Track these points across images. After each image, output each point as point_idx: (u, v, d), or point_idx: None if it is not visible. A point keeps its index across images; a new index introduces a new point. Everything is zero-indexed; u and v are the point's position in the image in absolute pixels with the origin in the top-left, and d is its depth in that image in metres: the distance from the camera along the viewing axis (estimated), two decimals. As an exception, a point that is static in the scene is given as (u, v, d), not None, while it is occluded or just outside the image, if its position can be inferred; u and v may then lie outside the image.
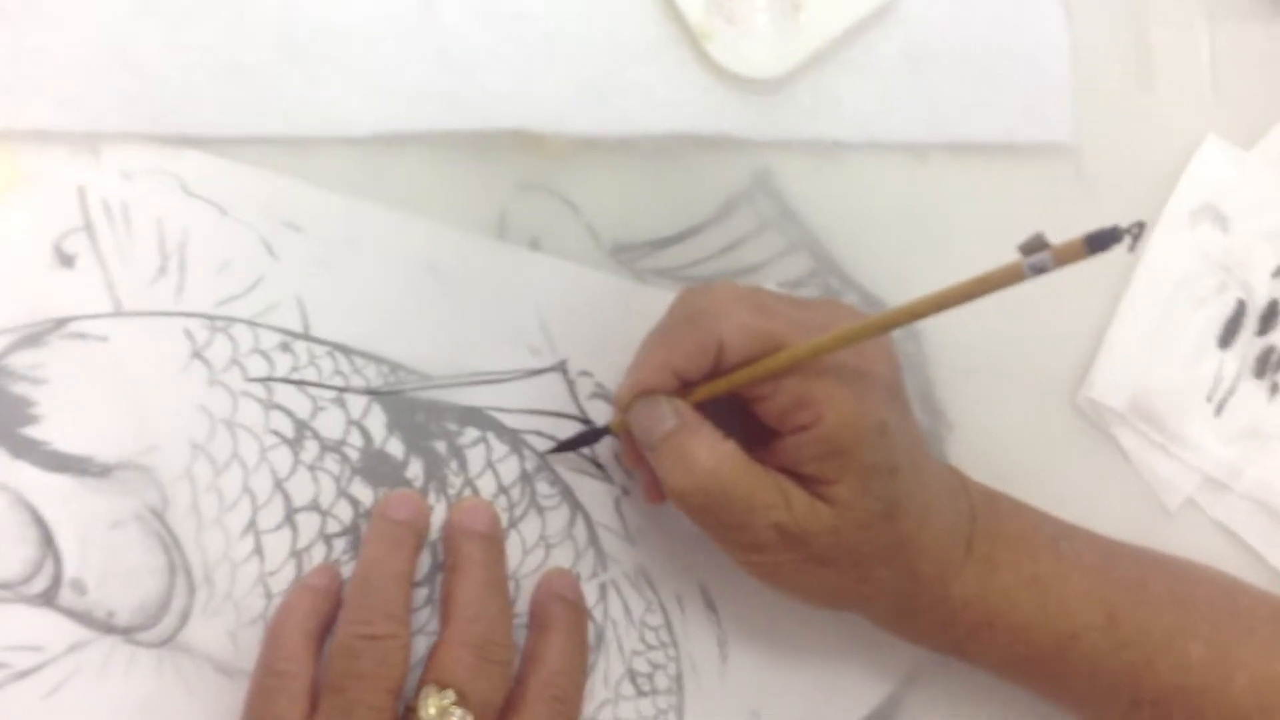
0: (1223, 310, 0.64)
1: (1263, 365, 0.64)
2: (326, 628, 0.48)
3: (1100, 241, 0.38)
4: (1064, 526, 0.54)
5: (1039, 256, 0.39)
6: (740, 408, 0.49)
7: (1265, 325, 0.64)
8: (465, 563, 0.50)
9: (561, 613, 0.51)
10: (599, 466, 0.54)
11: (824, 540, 0.47)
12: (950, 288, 0.42)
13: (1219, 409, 0.63)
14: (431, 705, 0.46)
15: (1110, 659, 0.51)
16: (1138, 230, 0.37)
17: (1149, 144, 0.63)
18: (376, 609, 0.47)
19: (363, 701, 0.45)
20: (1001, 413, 0.60)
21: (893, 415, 0.48)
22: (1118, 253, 0.61)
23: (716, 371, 0.48)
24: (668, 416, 0.48)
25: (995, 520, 0.52)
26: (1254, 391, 0.64)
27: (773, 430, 0.48)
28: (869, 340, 0.47)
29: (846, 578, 0.49)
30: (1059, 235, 0.39)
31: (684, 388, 0.49)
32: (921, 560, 0.49)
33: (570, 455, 0.54)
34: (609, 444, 0.54)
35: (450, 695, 0.46)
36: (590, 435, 0.53)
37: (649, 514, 0.54)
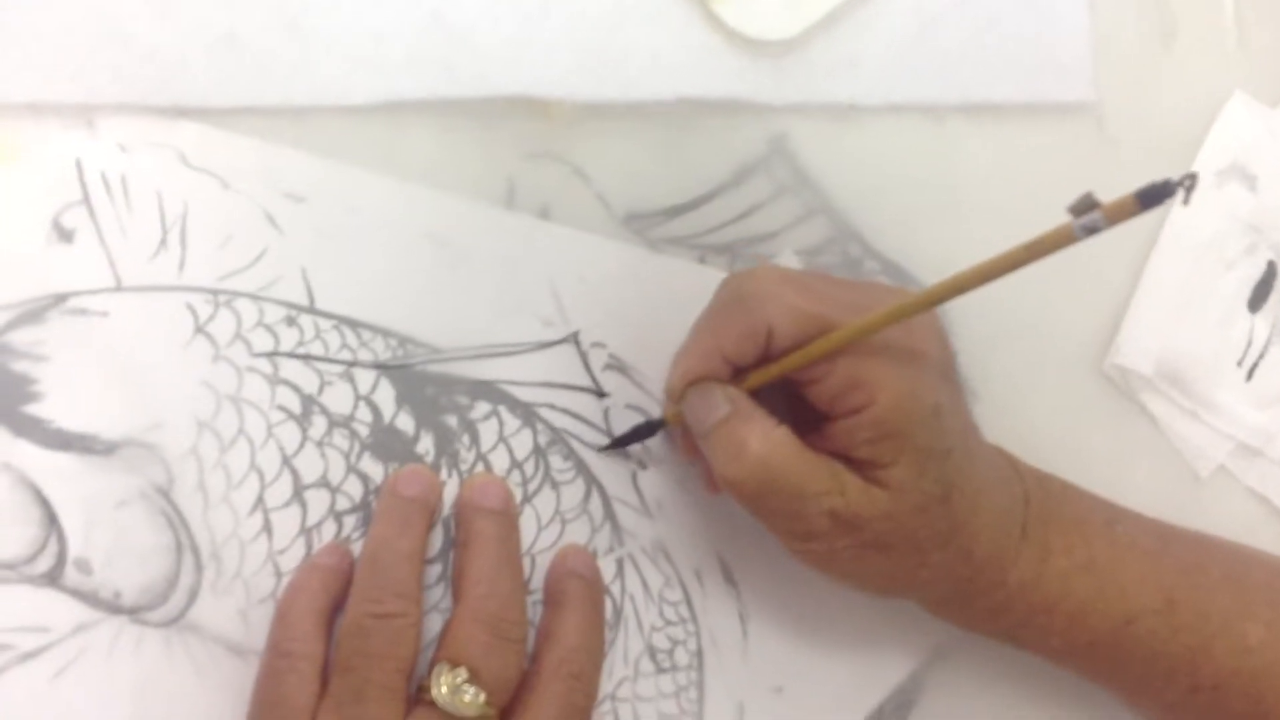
0: (1252, 272, 0.62)
1: (1295, 329, 0.62)
2: (337, 607, 0.47)
3: (1153, 196, 0.36)
4: (1117, 510, 0.53)
5: (1090, 217, 0.38)
6: (791, 393, 0.48)
7: (1297, 287, 0.62)
8: (478, 539, 0.49)
9: (578, 589, 0.50)
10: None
11: (879, 526, 0.46)
12: (998, 256, 0.41)
13: (1250, 374, 0.62)
14: (444, 684, 0.45)
15: (1168, 643, 0.50)
16: (1190, 182, 0.36)
17: (1173, 102, 0.62)
18: (387, 587, 0.46)
19: (373, 681, 0.45)
20: (1027, 381, 0.59)
21: (946, 396, 0.47)
22: (1144, 215, 0.61)
23: (766, 357, 0.47)
24: (721, 404, 0.47)
25: (1048, 504, 0.51)
26: (1286, 356, 0.62)
27: (825, 415, 0.47)
28: (919, 321, 0.46)
29: (903, 563, 0.48)
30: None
31: (735, 375, 0.48)
32: (977, 544, 0.48)
33: (583, 428, 0.53)
34: (621, 417, 0.53)
35: (463, 673, 0.45)
36: (645, 429, 0.52)
37: (666, 488, 0.53)
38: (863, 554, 0.47)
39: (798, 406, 0.48)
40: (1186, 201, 0.37)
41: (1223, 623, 0.51)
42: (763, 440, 0.46)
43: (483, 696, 0.45)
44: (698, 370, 0.48)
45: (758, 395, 0.48)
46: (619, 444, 0.53)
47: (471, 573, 0.48)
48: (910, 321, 0.46)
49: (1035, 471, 0.52)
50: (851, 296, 0.47)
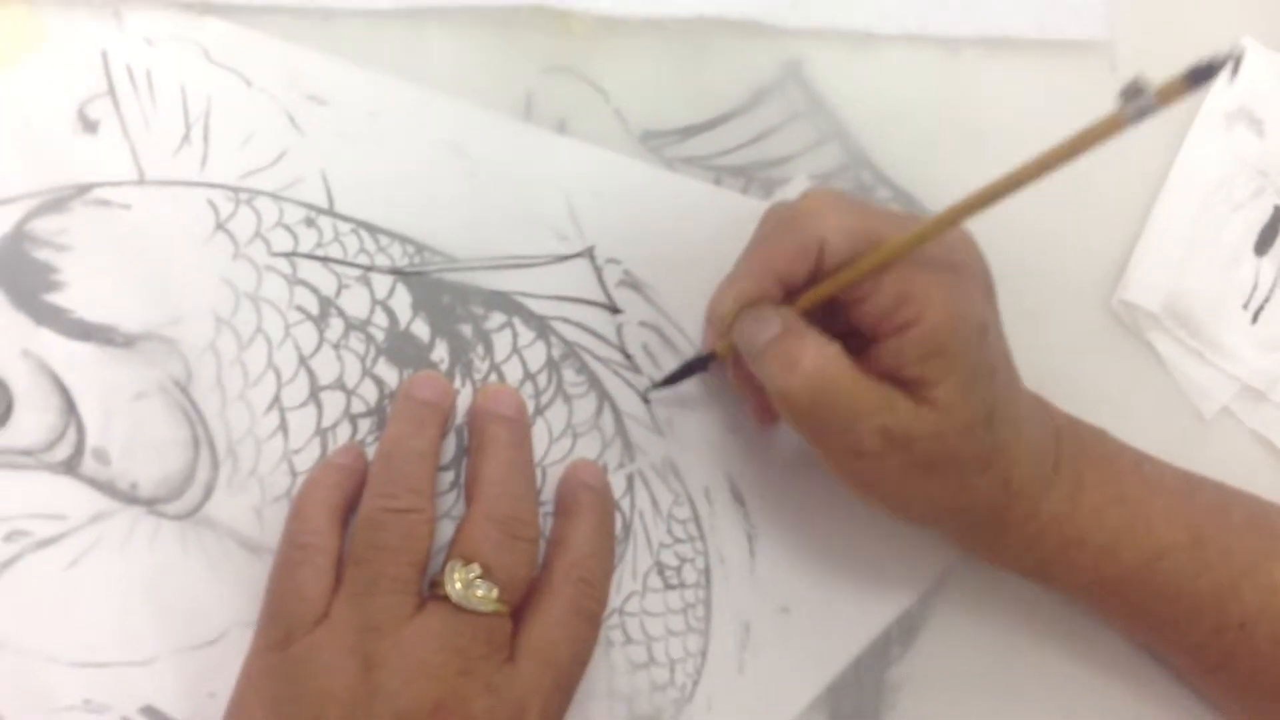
0: (1259, 216, 0.63)
1: (1301, 273, 0.63)
2: (351, 505, 0.48)
3: (1201, 75, 0.36)
4: (1143, 454, 0.54)
5: (1142, 100, 0.38)
6: (832, 323, 0.48)
7: (1302, 232, 0.63)
8: (491, 444, 0.49)
9: (589, 499, 0.51)
10: (627, 356, 0.53)
11: (928, 444, 0.46)
12: (1054, 148, 0.40)
13: (1255, 316, 0.62)
14: (457, 579, 0.45)
15: (1195, 581, 0.51)
16: (1237, 57, 0.36)
17: (1183, 45, 0.61)
18: (401, 483, 0.47)
19: (387, 574, 0.45)
20: (1035, 315, 0.59)
21: (991, 315, 0.48)
22: (1153, 153, 0.61)
23: (817, 276, 0.47)
24: (773, 322, 0.47)
25: (1079, 441, 0.52)
26: (1292, 299, 0.63)
27: (872, 336, 0.47)
28: (962, 244, 0.47)
29: (947, 486, 0.48)
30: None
31: (786, 298, 0.48)
32: (1014, 471, 0.48)
33: (598, 342, 0.53)
34: (634, 334, 0.53)
35: (476, 569, 0.45)
36: (696, 364, 0.52)
37: (677, 405, 0.54)
38: (910, 475, 0.47)
39: (842, 336, 0.48)
40: (1234, 75, 0.37)
41: (1249, 562, 0.51)
42: (816, 354, 0.46)
43: (495, 592, 0.45)
44: (750, 293, 0.47)
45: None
46: (670, 381, 0.53)
47: (485, 475, 0.48)
48: (953, 245, 0.46)
49: (1064, 413, 0.53)
50: (899, 217, 0.48)
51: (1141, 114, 0.38)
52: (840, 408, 0.46)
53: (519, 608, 0.47)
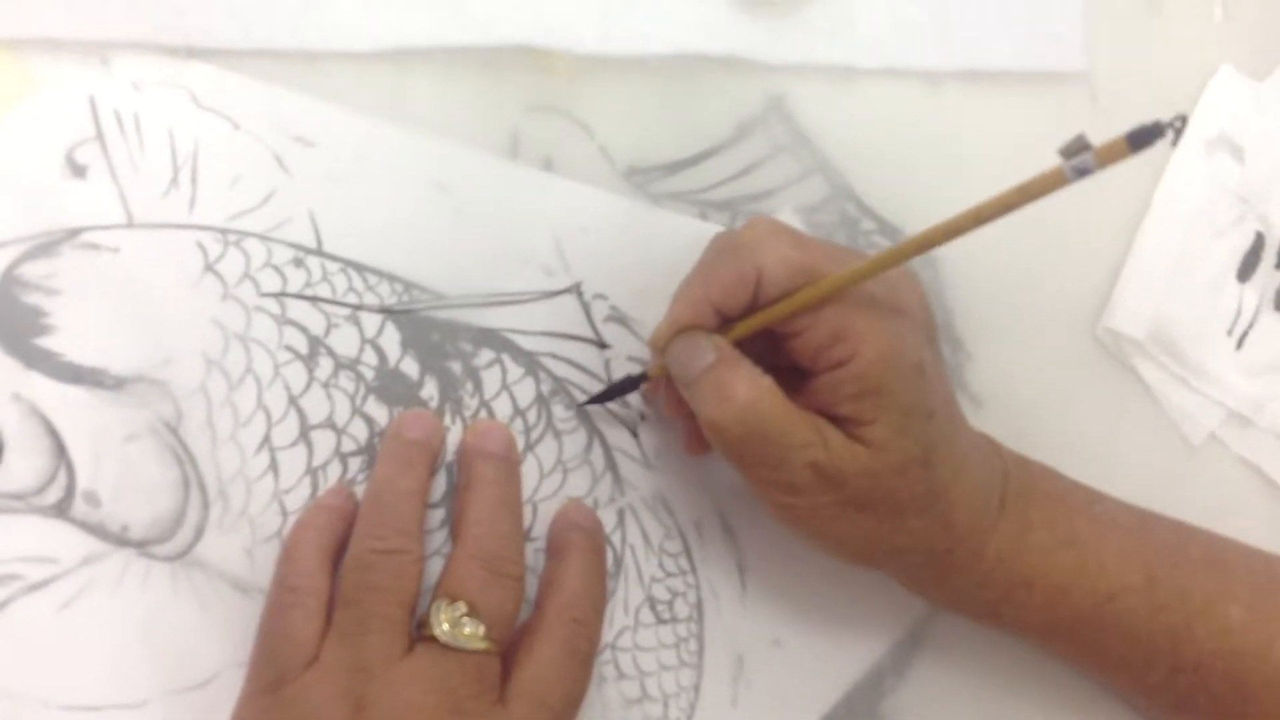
0: (1241, 242, 0.63)
1: (1284, 298, 0.63)
2: (341, 546, 0.48)
3: (1142, 138, 0.37)
4: (1096, 492, 0.53)
5: (1081, 158, 0.38)
6: (770, 355, 0.48)
7: (1285, 258, 0.63)
8: (478, 482, 0.49)
9: (579, 540, 0.51)
10: (616, 391, 0.54)
11: (860, 483, 0.46)
12: (990, 199, 0.41)
13: (1240, 343, 0.62)
14: (444, 619, 0.45)
15: (1149, 621, 0.50)
16: (1180, 124, 0.37)
17: (1162, 74, 0.63)
18: (389, 524, 0.47)
19: (377, 614, 0.45)
20: (1021, 343, 0.59)
21: (929, 357, 0.47)
22: (1135, 181, 0.62)
23: (754, 307, 0.47)
24: (707, 351, 0.46)
25: (1027, 480, 0.51)
26: (1275, 325, 0.63)
27: (807, 370, 0.47)
28: (904, 285, 0.47)
29: (883, 526, 0.48)
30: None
31: (722, 326, 0.48)
32: (956, 512, 0.48)
33: (586, 377, 0.53)
34: (622, 368, 0.54)
35: (461, 607, 0.46)
36: (627, 383, 0.52)
37: (667, 439, 0.54)
38: (844, 513, 0.47)
39: (777, 370, 0.48)
40: (1175, 143, 0.37)
41: (1204, 602, 0.51)
42: (749, 386, 0.46)
43: (482, 629, 0.45)
44: (685, 319, 0.47)
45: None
46: (600, 399, 0.53)
47: (470, 514, 0.48)
48: (895, 285, 0.46)
49: (1014, 453, 0.53)
50: (840, 253, 0.48)
51: (1081, 173, 0.38)
52: (772, 441, 0.45)
53: (509, 649, 0.47)
